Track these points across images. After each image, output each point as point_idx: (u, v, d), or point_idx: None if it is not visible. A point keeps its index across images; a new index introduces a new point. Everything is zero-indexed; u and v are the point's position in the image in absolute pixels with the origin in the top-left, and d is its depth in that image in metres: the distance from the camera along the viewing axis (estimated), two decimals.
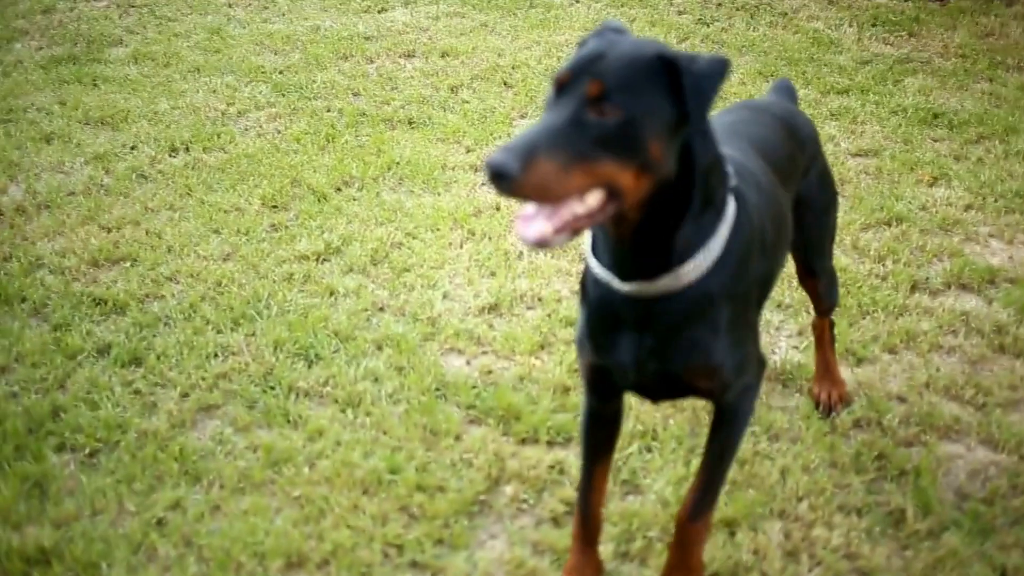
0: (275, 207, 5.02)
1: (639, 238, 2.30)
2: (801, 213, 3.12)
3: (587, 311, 2.55)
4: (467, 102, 6.36)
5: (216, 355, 3.89)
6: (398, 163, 5.49)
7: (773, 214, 2.71)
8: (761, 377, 2.70)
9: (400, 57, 7.21)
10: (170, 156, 5.57)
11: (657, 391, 2.59)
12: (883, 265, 4.54)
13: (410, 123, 6.06)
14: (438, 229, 4.83)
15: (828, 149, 5.67)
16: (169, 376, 3.76)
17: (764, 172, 2.77)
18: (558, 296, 4.30)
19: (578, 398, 3.65)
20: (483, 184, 5.31)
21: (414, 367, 3.84)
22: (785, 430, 3.52)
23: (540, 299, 4.29)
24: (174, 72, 6.84)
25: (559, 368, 3.83)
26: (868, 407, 3.63)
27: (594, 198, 2.10)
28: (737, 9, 8.40)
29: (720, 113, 3.18)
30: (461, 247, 4.70)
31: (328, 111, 6.22)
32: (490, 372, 3.84)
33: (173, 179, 5.29)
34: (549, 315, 4.17)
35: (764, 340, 4.06)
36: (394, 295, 4.32)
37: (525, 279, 4.43)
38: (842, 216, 4.92)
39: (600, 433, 2.78)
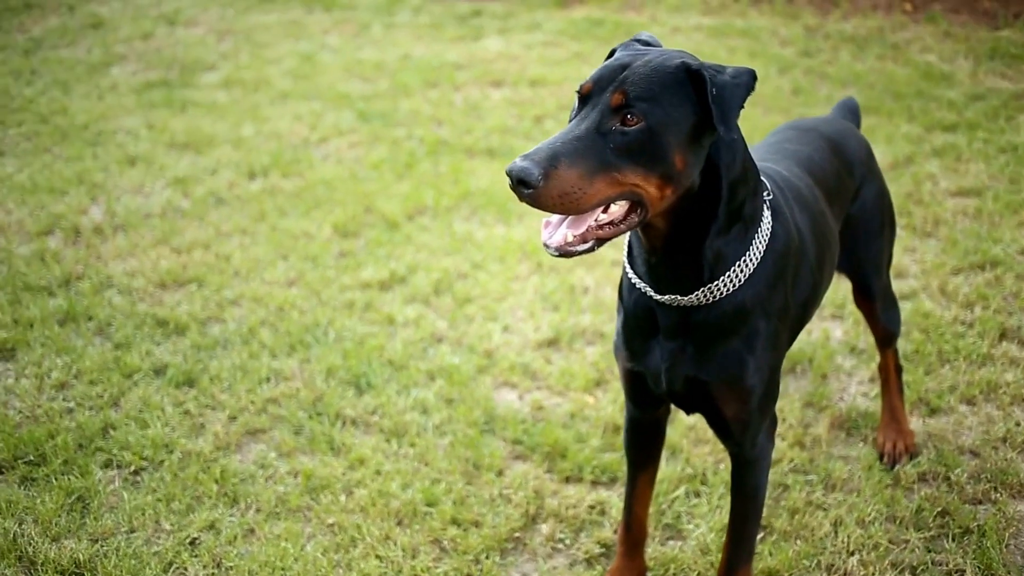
0: (345, 234, 5.02)
1: (670, 248, 2.27)
2: (855, 232, 3.05)
3: (623, 317, 2.54)
4: (550, 132, 6.29)
5: (268, 379, 3.89)
6: (473, 193, 5.45)
7: (817, 231, 2.65)
8: (774, 435, 2.66)
9: (488, 86, 7.20)
10: (248, 181, 5.64)
11: (687, 400, 2.55)
12: (970, 311, 4.29)
13: (490, 153, 6.02)
14: (505, 261, 4.76)
15: (926, 188, 5.39)
16: (220, 399, 3.77)
17: (809, 188, 2.71)
18: None
19: None
20: None
21: (464, 399, 3.77)
22: (843, 480, 3.34)
23: (602, 335, 4.19)
24: (262, 97, 6.95)
25: (612, 406, 3.71)
26: (936, 460, 3.41)
27: (618, 207, 2.10)
28: (844, 40, 8.08)
29: (768, 135, 3.14)
30: (527, 279, 4.62)
31: (409, 139, 6.23)
32: (541, 407, 3.75)
33: (248, 204, 5.34)
34: (609, 351, 4.05)
35: (834, 385, 3.88)
36: (453, 326, 4.26)
37: (589, 314, 4.32)
38: (932, 259, 4.69)
39: (641, 442, 2.78)
